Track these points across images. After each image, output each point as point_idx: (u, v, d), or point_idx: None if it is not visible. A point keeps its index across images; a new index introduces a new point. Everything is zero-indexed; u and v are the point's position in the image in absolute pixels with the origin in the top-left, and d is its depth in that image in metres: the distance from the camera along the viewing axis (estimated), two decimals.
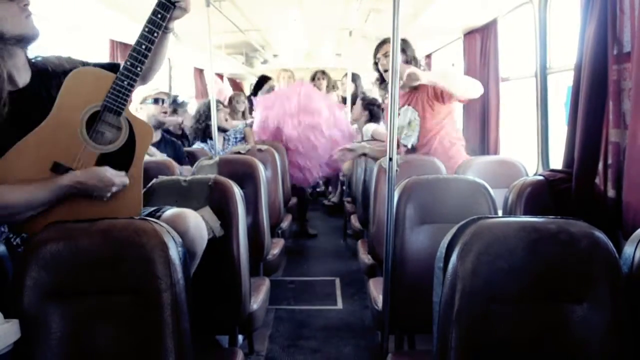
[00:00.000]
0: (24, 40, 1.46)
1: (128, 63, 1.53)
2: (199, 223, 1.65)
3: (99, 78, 1.54)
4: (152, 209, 1.70)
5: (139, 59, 1.53)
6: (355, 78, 5.73)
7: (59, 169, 1.47)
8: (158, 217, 1.59)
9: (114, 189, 1.51)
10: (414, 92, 2.96)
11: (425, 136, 2.94)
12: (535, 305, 1.24)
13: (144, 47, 1.54)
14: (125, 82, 1.53)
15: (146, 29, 1.54)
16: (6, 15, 1.39)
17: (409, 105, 2.98)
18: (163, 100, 3.24)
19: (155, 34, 1.55)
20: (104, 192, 1.51)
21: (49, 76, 1.57)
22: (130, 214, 1.53)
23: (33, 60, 1.56)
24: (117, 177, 1.51)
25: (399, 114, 2.65)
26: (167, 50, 1.76)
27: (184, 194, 1.94)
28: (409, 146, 2.99)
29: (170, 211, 1.64)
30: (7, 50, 1.43)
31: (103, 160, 1.52)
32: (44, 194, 1.44)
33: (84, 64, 1.66)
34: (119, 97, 1.52)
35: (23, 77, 1.52)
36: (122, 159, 1.55)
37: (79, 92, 1.51)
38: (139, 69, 1.54)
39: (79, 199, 1.50)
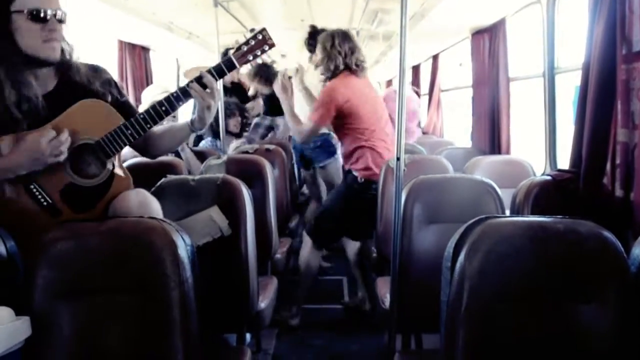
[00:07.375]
0: (34, 62, 1.42)
1: (141, 116, 1.51)
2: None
3: (108, 116, 1.51)
4: None
5: (153, 117, 1.51)
6: None
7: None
8: None
9: (60, 155, 1.42)
10: None
11: None
12: (542, 305, 1.23)
13: (163, 108, 1.52)
14: (129, 132, 1.50)
15: (174, 94, 1.54)
16: (23, 34, 1.37)
17: None
18: None
19: (181, 102, 1.53)
20: (51, 158, 1.41)
21: (76, 86, 1.52)
22: None
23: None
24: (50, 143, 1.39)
25: None
26: (181, 140, 1.75)
27: (192, 193, 1.95)
28: None
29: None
30: (16, 67, 1.39)
31: (70, 188, 1.48)
32: None
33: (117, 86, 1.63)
34: (115, 142, 1.48)
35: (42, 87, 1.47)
36: (88, 196, 1.50)
37: (83, 119, 1.47)
38: (148, 126, 1.51)
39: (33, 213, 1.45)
